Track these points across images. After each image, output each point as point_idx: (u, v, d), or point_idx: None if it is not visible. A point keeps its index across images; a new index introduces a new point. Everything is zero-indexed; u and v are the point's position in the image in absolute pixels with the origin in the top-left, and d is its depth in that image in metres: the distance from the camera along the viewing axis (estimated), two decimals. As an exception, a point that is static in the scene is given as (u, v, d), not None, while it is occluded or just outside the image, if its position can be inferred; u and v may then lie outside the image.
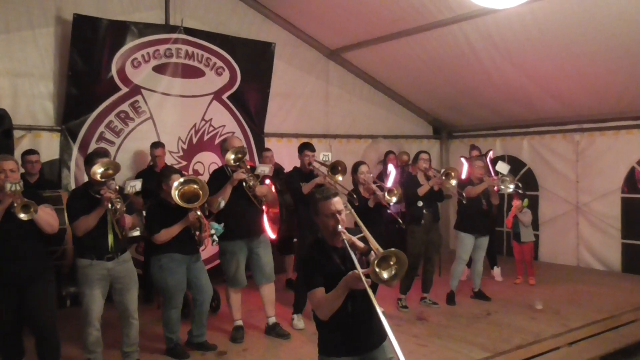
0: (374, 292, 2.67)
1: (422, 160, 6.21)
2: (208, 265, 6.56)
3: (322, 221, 2.86)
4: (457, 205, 6.55)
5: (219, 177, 5.09)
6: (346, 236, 2.77)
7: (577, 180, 8.08)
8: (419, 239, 6.01)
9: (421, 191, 6.00)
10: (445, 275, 6.51)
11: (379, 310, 2.58)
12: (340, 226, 2.80)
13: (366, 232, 2.83)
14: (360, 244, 2.80)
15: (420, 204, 6.04)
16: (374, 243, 2.72)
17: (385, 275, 2.52)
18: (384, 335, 2.91)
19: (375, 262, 2.49)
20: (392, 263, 2.52)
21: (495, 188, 6.40)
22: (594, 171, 7.88)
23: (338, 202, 2.85)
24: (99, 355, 4.30)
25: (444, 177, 5.99)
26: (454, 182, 6.02)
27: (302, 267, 2.95)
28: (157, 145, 6.51)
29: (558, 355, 5.05)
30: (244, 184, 4.95)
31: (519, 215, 7.13)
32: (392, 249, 2.54)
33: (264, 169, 5.17)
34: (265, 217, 5.55)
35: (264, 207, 5.31)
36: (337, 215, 2.81)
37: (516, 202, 7.14)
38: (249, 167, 5.06)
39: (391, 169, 7.15)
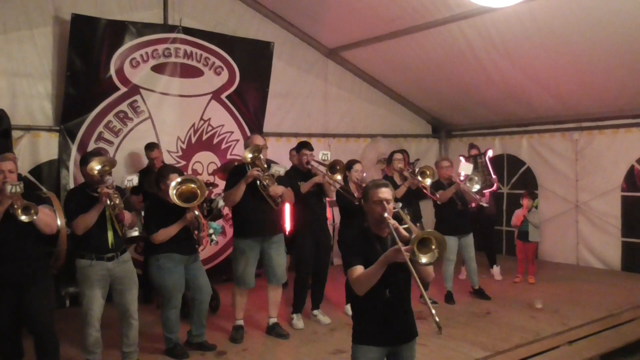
0: (426, 290, 2.84)
1: (396, 161, 6.20)
2: (208, 265, 6.58)
3: (370, 207, 3.04)
4: (434, 208, 6.47)
5: (238, 173, 5.04)
6: (391, 221, 2.93)
7: (576, 179, 8.07)
8: None
9: (399, 193, 5.91)
10: (438, 276, 6.48)
11: (421, 289, 2.79)
12: (386, 214, 2.94)
13: (410, 224, 3.07)
14: (405, 233, 2.97)
15: (399, 205, 5.99)
16: (417, 231, 2.90)
17: (424, 260, 2.68)
18: (415, 332, 3.12)
19: (416, 241, 2.66)
20: (433, 247, 2.69)
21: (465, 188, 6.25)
22: (594, 170, 7.87)
23: (387, 192, 3.03)
24: (99, 356, 4.29)
25: (419, 177, 5.97)
26: (429, 180, 5.99)
27: (344, 248, 3.19)
28: (152, 147, 6.33)
29: (558, 354, 5.05)
30: (258, 182, 4.92)
31: (528, 216, 7.08)
32: (430, 230, 2.73)
33: (279, 169, 5.11)
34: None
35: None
36: (385, 203, 2.98)
37: (526, 202, 7.12)
38: (265, 166, 5.00)
39: None
